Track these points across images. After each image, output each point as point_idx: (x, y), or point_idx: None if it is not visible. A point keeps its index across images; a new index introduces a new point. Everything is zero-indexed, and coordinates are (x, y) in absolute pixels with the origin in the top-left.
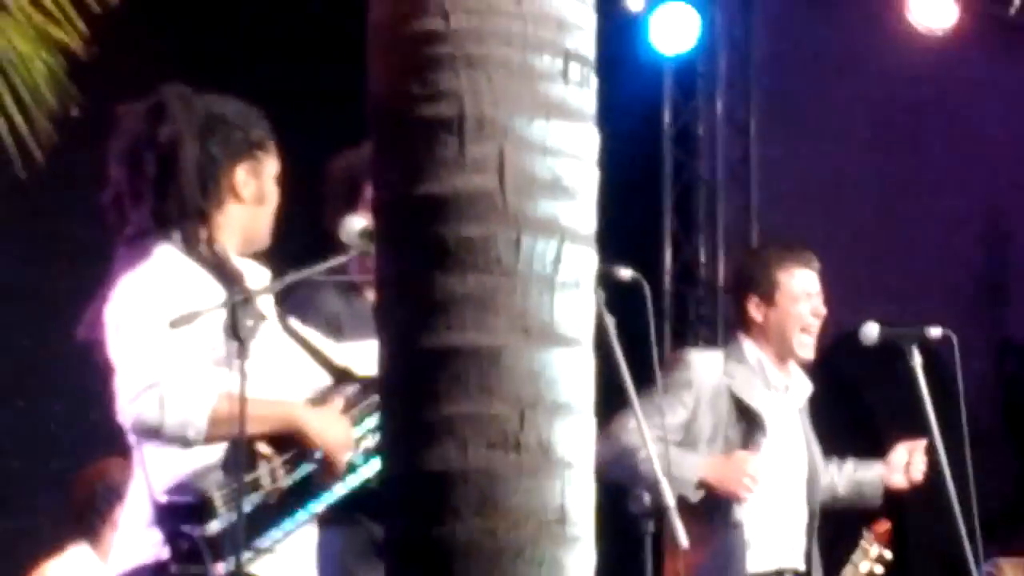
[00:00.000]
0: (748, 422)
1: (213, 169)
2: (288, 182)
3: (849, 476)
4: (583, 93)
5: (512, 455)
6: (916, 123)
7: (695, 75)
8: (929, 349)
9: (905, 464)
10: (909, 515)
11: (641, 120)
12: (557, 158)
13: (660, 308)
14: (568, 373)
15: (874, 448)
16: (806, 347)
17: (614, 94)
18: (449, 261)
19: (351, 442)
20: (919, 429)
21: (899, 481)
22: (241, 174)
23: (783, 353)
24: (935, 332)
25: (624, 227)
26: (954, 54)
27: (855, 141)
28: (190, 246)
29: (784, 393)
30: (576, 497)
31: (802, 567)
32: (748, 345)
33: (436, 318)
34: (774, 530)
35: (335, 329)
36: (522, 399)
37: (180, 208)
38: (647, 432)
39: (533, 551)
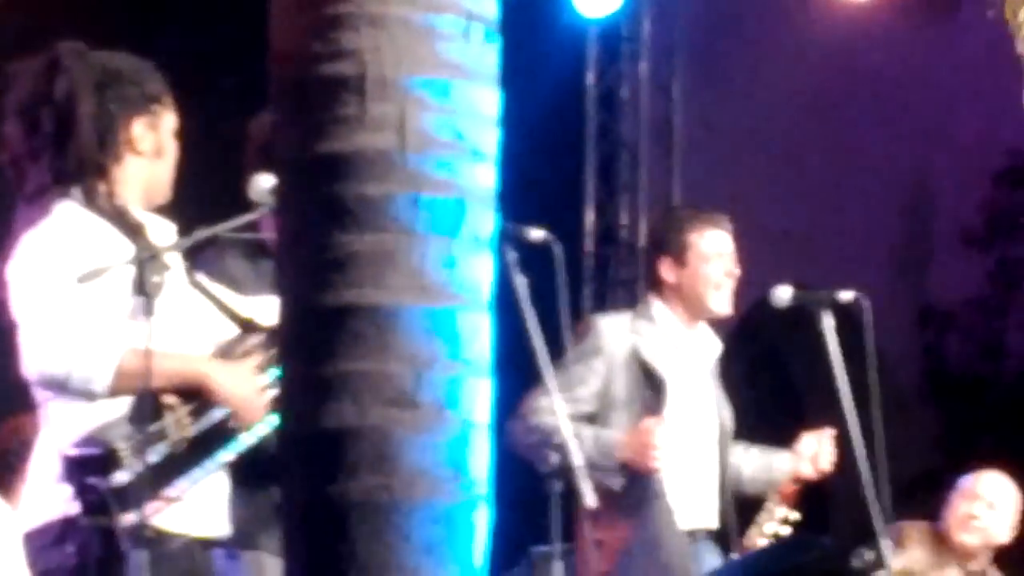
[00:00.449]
0: (654, 387)
1: (110, 123)
2: (207, 142)
3: (757, 464)
4: (485, 53)
5: (408, 412)
6: (842, 89)
7: (619, 38)
8: (850, 314)
9: (813, 454)
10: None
11: (565, 83)
12: (458, 118)
13: (581, 270)
14: (466, 332)
15: (795, 411)
16: (721, 302)
17: (538, 57)
18: (348, 219)
19: (257, 393)
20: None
21: (807, 470)
22: (139, 127)
23: (696, 313)
24: (846, 296)
25: (546, 189)
26: (879, 20)
27: (780, 106)
28: (90, 201)
29: (692, 353)
30: (471, 455)
31: (715, 525)
32: (658, 306)
33: (334, 276)
34: (687, 490)
35: (237, 291)
36: (418, 357)
37: (78, 163)
38: (557, 407)
39: (428, 508)
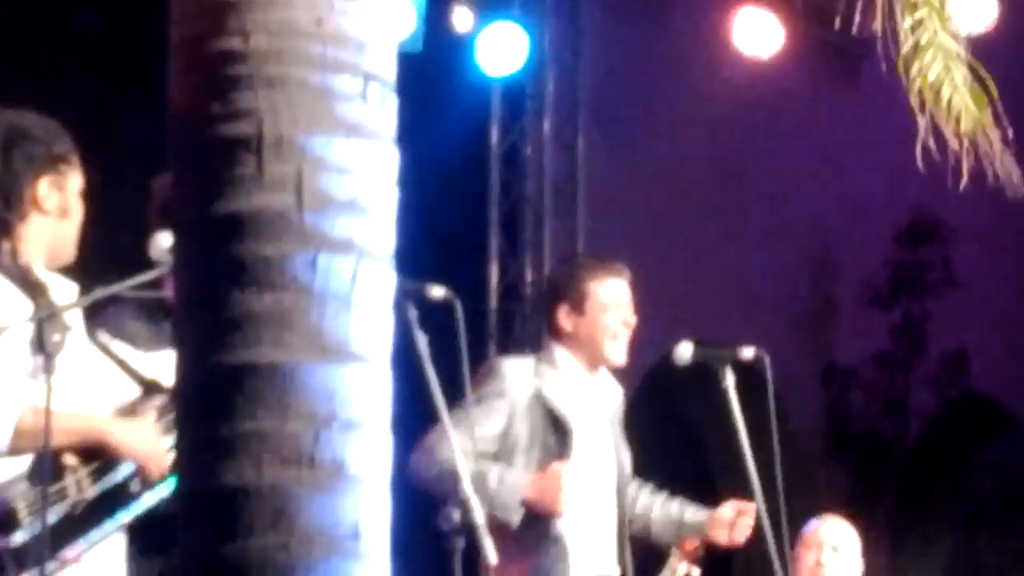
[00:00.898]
0: (559, 430)
1: (15, 181)
2: (103, 199)
3: (669, 514)
4: (382, 113)
5: (306, 471)
6: (746, 146)
7: (523, 95)
8: (754, 370)
9: (730, 522)
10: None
11: (468, 140)
12: (355, 177)
13: (486, 326)
14: (363, 390)
15: (701, 467)
16: (617, 351)
17: (441, 114)
18: (246, 279)
19: (161, 451)
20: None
21: (721, 537)
22: (44, 187)
23: (594, 360)
24: (747, 353)
25: (451, 245)
26: (783, 76)
27: (683, 162)
28: None
29: (594, 399)
30: (370, 513)
31: (615, 573)
32: (560, 351)
33: (232, 335)
34: (587, 537)
35: (136, 349)
36: (317, 416)
37: None
38: (458, 449)
39: (326, 567)
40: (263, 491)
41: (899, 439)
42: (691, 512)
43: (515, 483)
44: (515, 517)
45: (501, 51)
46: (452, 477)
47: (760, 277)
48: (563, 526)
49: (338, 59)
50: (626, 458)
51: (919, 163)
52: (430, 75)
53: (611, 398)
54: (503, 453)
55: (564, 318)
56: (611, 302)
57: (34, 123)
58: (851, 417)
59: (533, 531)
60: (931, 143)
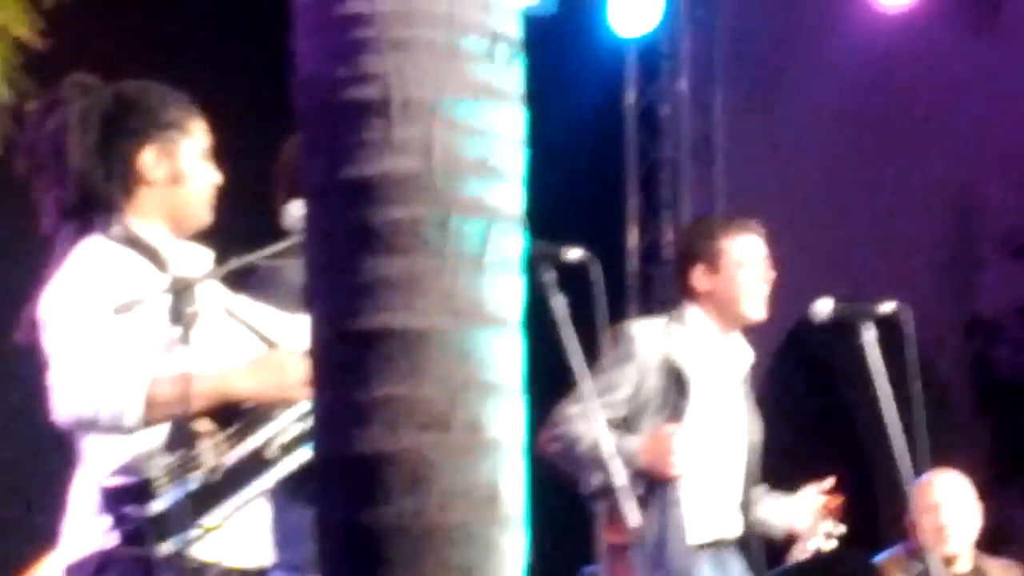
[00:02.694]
0: (680, 388)
1: (114, 154)
2: (242, 168)
3: (777, 510)
4: (510, 73)
5: (442, 436)
6: (883, 99)
7: (659, 55)
8: (896, 325)
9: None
10: (877, 491)
11: (605, 101)
12: (484, 139)
13: (625, 288)
14: (498, 353)
15: (843, 423)
16: (756, 307)
17: (577, 75)
18: (377, 244)
19: (289, 380)
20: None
21: (801, 525)
22: (149, 157)
23: (731, 319)
24: (887, 307)
25: (589, 208)
26: (919, 30)
27: (822, 118)
28: (106, 233)
29: (724, 360)
30: (507, 477)
31: (738, 534)
32: (692, 311)
33: (364, 300)
34: (710, 501)
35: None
36: (452, 380)
37: (81, 197)
38: (592, 415)
39: (464, 532)
40: (398, 456)
41: None
42: (774, 508)
43: (630, 452)
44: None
45: (636, 11)
46: (577, 453)
47: (902, 231)
48: (681, 490)
49: (464, 19)
50: (756, 423)
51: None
52: (565, 37)
53: (742, 360)
54: (632, 415)
55: (699, 277)
56: (746, 258)
57: (141, 91)
58: (997, 370)
59: (653, 497)
60: None
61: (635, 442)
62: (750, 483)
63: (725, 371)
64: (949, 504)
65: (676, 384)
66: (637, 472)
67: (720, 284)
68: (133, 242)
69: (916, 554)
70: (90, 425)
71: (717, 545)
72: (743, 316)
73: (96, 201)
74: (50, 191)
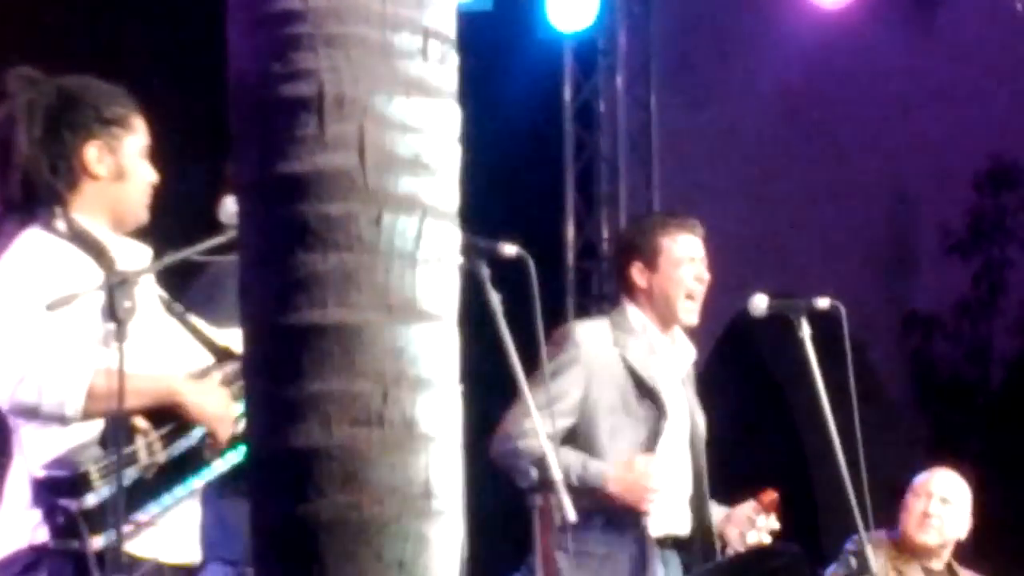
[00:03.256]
0: (650, 399)
1: (60, 148)
2: (174, 165)
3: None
4: (443, 70)
5: (376, 431)
6: (819, 96)
7: (595, 51)
8: (834, 320)
9: (748, 519)
10: (816, 484)
11: (542, 97)
12: (417, 135)
13: (563, 284)
14: (431, 349)
15: (781, 416)
16: (690, 312)
17: (514, 72)
18: (310, 239)
19: (231, 414)
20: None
21: (731, 535)
22: (93, 152)
23: (667, 318)
24: (823, 303)
25: (526, 204)
26: (855, 28)
27: (757, 113)
28: (48, 227)
29: (669, 359)
30: (441, 472)
31: (685, 533)
32: (633, 311)
33: (298, 296)
34: (661, 499)
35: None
36: (385, 375)
37: (26, 190)
38: (536, 418)
39: (398, 526)
40: (333, 451)
41: (982, 386)
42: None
43: (598, 477)
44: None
45: (572, 6)
46: (525, 457)
47: (839, 227)
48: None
49: (397, 16)
50: (700, 419)
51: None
52: (502, 32)
53: (684, 357)
54: (582, 420)
55: (637, 274)
56: (684, 257)
57: (85, 87)
58: (934, 365)
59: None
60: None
61: (605, 469)
62: (699, 479)
63: (671, 370)
64: (940, 497)
65: (648, 397)
66: (604, 497)
67: (657, 282)
68: (77, 236)
69: (896, 544)
70: (30, 412)
71: (662, 542)
72: (677, 318)
73: (40, 194)
74: None
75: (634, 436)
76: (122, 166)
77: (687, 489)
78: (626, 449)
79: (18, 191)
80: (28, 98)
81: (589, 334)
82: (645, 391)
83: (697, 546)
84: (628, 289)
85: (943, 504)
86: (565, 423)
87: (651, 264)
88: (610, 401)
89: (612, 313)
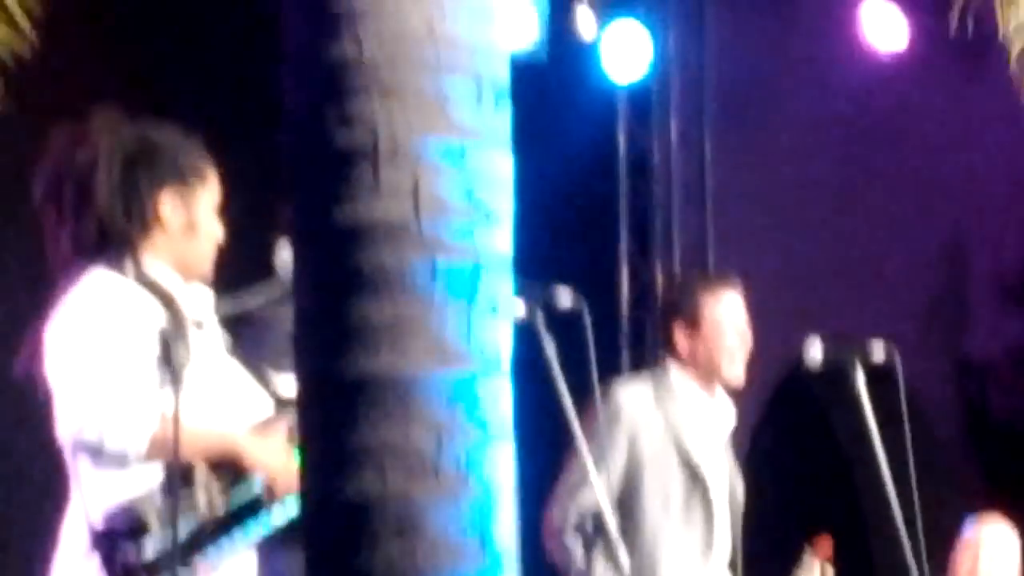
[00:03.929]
0: (691, 473)
1: (136, 195)
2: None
3: None
4: (497, 116)
5: (431, 480)
6: (873, 143)
7: (649, 100)
8: (887, 366)
9: None
10: (870, 533)
11: (596, 147)
12: (471, 183)
13: (617, 334)
14: (486, 397)
15: (838, 463)
16: (735, 372)
17: (569, 121)
18: (365, 288)
19: (292, 467)
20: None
21: None
22: (168, 202)
23: (711, 378)
24: (878, 348)
25: (581, 253)
26: (910, 73)
27: (811, 162)
28: (117, 267)
29: (712, 423)
30: (495, 522)
31: None
32: (675, 372)
33: (352, 345)
34: (699, 565)
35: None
36: (440, 425)
37: (100, 234)
38: (592, 472)
39: (454, 575)
40: (388, 501)
41: None
42: None
43: None
44: None
45: (625, 56)
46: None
47: (893, 273)
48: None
49: (451, 63)
50: (739, 484)
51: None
52: (556, 83)
53: (726, 419)
54: (626, 486)
55: (680, 335)
56: (726, 318)
57: (165, 136)
58: (988, 414)
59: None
60: None
61: None
62: (736, 543)
63: (713, 434)
64: (988, 550)
65: (689, 470)
66: None
67: (700, 342)
68: (145, 281)
69: None
70: (93, 450)
71: None
72: (723, 379)
73: (112, 239)
74: (66, 225)
75: (676, 499)
76: (194, 220)
77: (726, 555)
78: (669, 518)
79: (92, 234)
80: (110, 143)
81: (631, 396)
82: (686, 458)
83: None
84: (671, 349)
85: (991, 556)
86: (611, 494)
87: (694, 325)
88: (652, 465)
89: (655, 372)
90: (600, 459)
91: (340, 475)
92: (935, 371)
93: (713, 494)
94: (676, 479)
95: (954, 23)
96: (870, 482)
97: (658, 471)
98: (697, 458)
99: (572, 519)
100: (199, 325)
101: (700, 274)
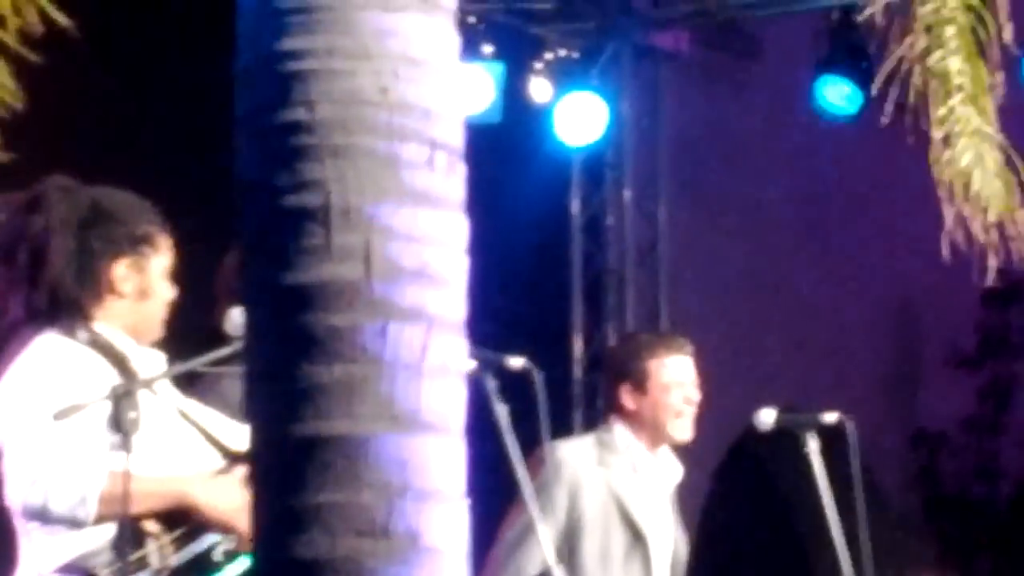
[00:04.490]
0: (632, 532)
1: (89, 262)
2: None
3: None
4: (450, 181)
5: (381, 543)
6: (826, 212)
7: (603, 164)
8: (840, 437)
9: None
10: None
11: (550, 210)
12: (423, 246)
13: (570, 396)
14: (437, 460)
15: (788, 532)
16: (681, 429)
17: (522, 184)
18: (316, 350)
19: (245, 506)
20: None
21: None
22: (121, 269)
23: (656, 439)
24: (830, 418)
25: (534, 315)
26: (863, 142)
27: (764, 228)
28: (67, 332)
29: (655, 480)
30: None
31: None
32: (620, 430)
33: (303, 406)
34: None
35: (240, 416)
36: (390, 487)
37: (52, 300)
38: (542, 531)
39: None
40: (337, 563)
41: (990, 502)
42: None
43: None
44: None
45: (580, 121)
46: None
47: (845, 342)
48: None
49: (403, 127)
50: (681, 539)
51: (944, 251)
52: (510, 146)
53: (671, 476)
54: (566, 541)
55: (626, 397)
56: (673, 381)
57: (118, 202)
58: (941, 481)
59: None
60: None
61: None
62: None
63: (656, 491)
64: None
65: (630, 529)
66: None
67: (646, 405)
68: (98, 345)
69: None
70: (40, 516)
71: None
72: (669, 437)
73: (64, 306)
74: (19, 290)
75: (617, 558)
76: (146, 286)
77: None
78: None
79: (44, 301)
80: (64, 209)
81: (573, 454)
82: (630, 525)
83: None
84: (617, 409)
85: None
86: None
87: (640, 387)
88: (593, 523)
89: (599, 430)
90: (540, 515)
91: (290, 535)
92: (889, 441)
93: (653, 551)
94: (617, 537)
95: (890, 106)
96: (820, 547)
97: (598, 528)
98: (638, 516)
99: None
100: (151, 387)
101: (647, 337)
